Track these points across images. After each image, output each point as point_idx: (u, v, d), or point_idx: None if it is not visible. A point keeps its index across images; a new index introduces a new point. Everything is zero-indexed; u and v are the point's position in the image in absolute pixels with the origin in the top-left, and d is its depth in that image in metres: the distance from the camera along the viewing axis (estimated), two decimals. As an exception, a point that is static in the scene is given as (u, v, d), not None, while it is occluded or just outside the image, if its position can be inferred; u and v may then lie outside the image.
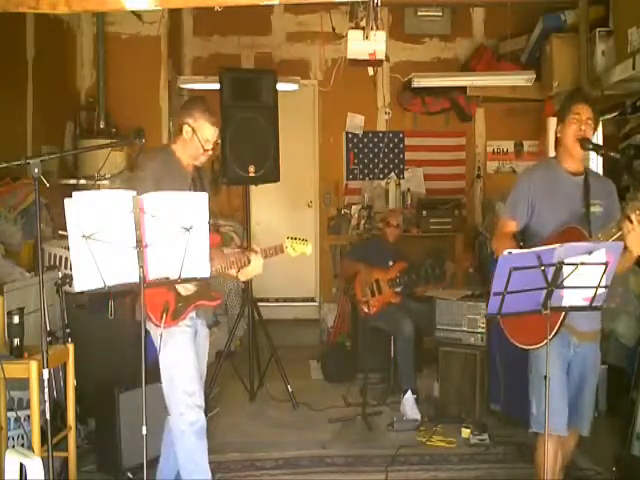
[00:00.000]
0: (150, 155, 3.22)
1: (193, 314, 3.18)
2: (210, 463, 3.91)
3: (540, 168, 3.21)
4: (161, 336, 2.99)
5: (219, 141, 3.28)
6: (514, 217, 3.09)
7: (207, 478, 3.17)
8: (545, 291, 2.54)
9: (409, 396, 4.76)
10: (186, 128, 3.16)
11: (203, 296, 3.19)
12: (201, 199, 2.55)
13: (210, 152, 3.22)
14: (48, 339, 3.11)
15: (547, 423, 2.67)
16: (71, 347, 3.44)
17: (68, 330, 4.04)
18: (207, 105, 3.22)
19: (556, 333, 2.70)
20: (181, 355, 3.10)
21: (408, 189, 7.22)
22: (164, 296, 3.04)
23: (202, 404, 3.14)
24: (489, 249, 5.99)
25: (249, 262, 3.19)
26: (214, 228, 3.28)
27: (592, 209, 2.99)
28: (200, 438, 3.11)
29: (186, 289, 3.09)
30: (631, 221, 2.65)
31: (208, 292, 3.21)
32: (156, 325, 3.04)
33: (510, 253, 2.50)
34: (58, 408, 3.69)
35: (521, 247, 2.91)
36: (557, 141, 3.09)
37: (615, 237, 2.71)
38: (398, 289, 5.19)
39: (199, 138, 3.15)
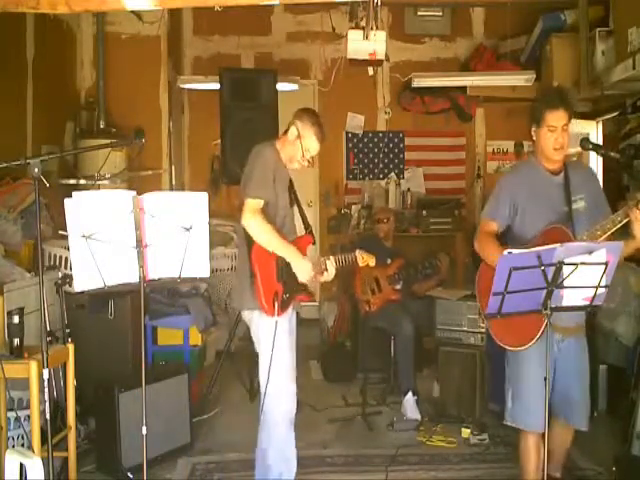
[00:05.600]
0: (268, 151, 3.25)
1: (291, 307, 3.27)
2: (210, 463, 3.94)
3: (521, 170, 3.23)
4: (276, 323, 3.07)
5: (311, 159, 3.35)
6: (495, 219, 3.12)
7: (294, 471, 3.26)
8: (545, 291, 2.55)
9: (410, 397, 4.75)
10: (292, 129, 3.25)
11: (303, 291, 3.29)
12: (201, 199, 2.55)
13: (306, 163, 3.31)
14: (48, 339, 3.12)
15: (546, 421, 2.68)
16: (71, 347, 3.43)
17: (68, 330, 4.04)
18: (320, 122, 3.30)
19: (541, 334, 2.73)
20: (282, 344, 3.15)
21: (408, 189, 7.22)
22: (274, 286, 3.11)
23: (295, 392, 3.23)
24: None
25: (327, 269, 3.32)
26: (308, 231, 3.38)
27: (574, 206, 3.01)
28: (291, 429, 3.21)
29: (309, 276, 3.20)
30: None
31: (305, 288, 3.30)
32: (267, 313, 3.09)
33: (510, 253, 2.51)
34: (58, 408, 3.69)
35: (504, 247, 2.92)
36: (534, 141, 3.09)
37: (620, 225, 2.74)
38: (398, 286, 5.23)
39: (302, 144, 3.24)
